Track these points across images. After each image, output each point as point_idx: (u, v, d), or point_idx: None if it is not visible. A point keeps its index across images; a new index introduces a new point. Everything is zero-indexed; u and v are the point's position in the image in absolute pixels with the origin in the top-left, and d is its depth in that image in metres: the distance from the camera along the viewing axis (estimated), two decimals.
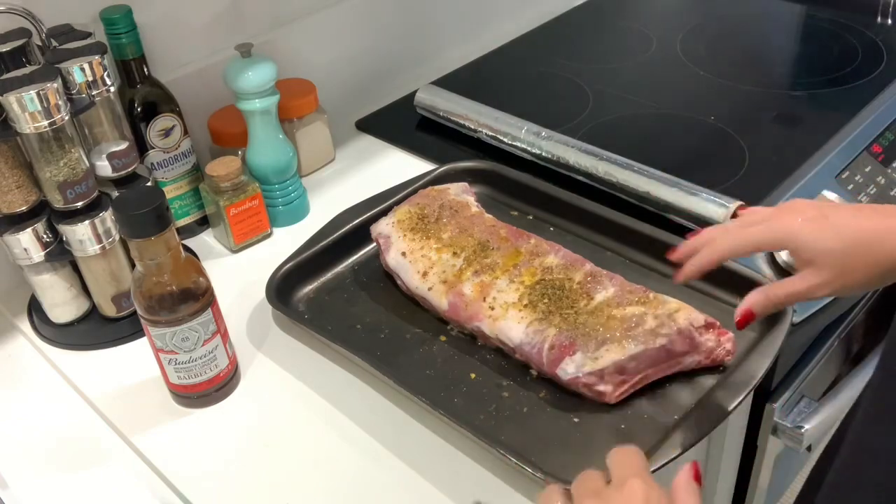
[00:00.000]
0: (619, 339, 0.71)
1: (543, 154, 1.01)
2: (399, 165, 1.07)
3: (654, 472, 0.63)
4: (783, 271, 0.86)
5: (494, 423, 0.71)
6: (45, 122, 0.72)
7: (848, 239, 0.57)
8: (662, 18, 1.42)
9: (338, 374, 0.78)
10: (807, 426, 0.90)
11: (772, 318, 0.76)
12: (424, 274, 0.81)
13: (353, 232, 0.91)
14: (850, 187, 0.96)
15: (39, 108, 0.71)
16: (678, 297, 0.76)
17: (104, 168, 0.82)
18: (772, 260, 0.87)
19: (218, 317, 0.74)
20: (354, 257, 0.91)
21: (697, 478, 0.51)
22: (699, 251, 0.65)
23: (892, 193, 0.97)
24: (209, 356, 0.73)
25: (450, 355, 0.78)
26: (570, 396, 0.73)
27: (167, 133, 0.91)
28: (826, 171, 0.97)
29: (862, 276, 0.58)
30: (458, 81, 1.23)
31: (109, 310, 0.84)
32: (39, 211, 0.79)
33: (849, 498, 0.52)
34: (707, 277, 0.81)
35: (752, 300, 0.63)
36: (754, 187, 0.94)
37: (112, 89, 0.79)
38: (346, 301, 0.86)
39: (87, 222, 0.77)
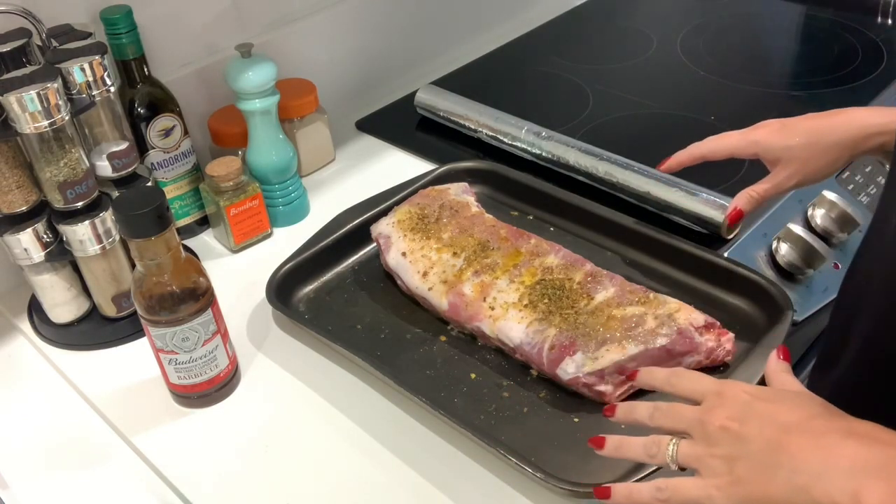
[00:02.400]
0: (619, 340, 0.71)
1: (543, 154, 1.01)
2: (399, 165, 1.07)
3: (654, 472, 0.63)
4: (783, 271, 0.86)
5: (494, 423, 0.71)
6: (46, 122, 0.72)
7: (802, 135, 0.71)
8: (662, 18, 1.42)
9: (338, 374, 0.78)
10: None
11: (772, 318, 0.76)
12: (424, 274, 0.81)
13: (353, 232, 0.91)
14: (851, 187, 0.96)
15: (40, 108, 0.71)
16: (678, 297, 0.76)
17: (104, 168, 0.82)
18: (772, 260, 0.87)
19: (218, 317, 0.74)
20: (354, 257, 0.91)
21: (787, 358, 0.57)
22: (692, 150, 0.78)
23: None
24: (209, 356, 0.73)
25: (450, 355, 0.79)
26: (570, 396, 0.73)
27: (167, 133, 0.91)
28: None
29: (819, 163, 0.71)
30: (458, 81, 1.23)
31: (109, 310, 0.84)
32: (40, 211, 0.79)
33: None
34: (707, 278, 0.82)
35: (738, 200, 0.76)
36: None
37: (112, 89, 0.79)
38: (347, 301, 0.86)
39: (87, 222, 0.77)
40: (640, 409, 0.58)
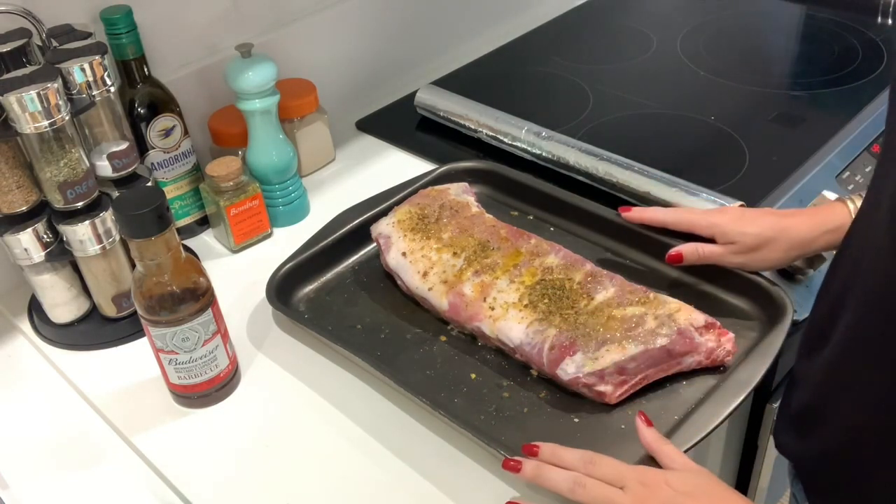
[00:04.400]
0: (619, 340, 0.71)
1: (543, 154, 1.01)
2: (399, 165, 1.07)
3: None
4: (783, 271, 0.86)
5: (494, 423, 0.71)
6: (46, 123, 0.72)
7: (760, 228, 0.76)
8: (662, 18, 1.42)
9: (338, 374, 0.78)
10: None
11: (772, 318, 0.76)
12: (425, 274, 0.81)
13: (353, 232, 0.91)
14: (851, 187, 0.96)
15: (40, 108, 0.71)
16: (678, 297, 0.76)
17: (104, 168, 0.82)
18: None
19: (218, 317, 0.74)
20: (355, 257, 0.91)
21: (649, 422, 0.66)
22: (655, 212, 0.84)
23: None
24: (209, 356, 0.73)
25: (450, 355, 0.79)
26: (570, 396, 0.73)
27: (167, 133, 0.91)
28: (826, 171, 0.97)
29: (769, 256, 0.77)
30: (458, 81, 1.23)
31: (110, 310, 0.84)
32: (40, 211, 0.79)
33: None
34: (707, 278, 0.82)
35: (684, 247, 0.80)
36: (754, 187, 0.94)
37: (112, 89, 0.79)
38: (347, 301, 0.86)
39: (87, 222, 0.77)
40: (560, 478, 0.62)
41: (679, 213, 0.82)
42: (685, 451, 0.64)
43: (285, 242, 0.94)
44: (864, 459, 0.59)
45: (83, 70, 0.76)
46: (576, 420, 0.71)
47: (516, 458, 0.64)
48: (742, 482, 1.01)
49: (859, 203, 0.73)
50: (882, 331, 0.55)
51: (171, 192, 0.94)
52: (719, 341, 0.73)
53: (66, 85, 0.75)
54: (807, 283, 0.86)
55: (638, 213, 0.84)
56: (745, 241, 0.77)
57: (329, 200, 1.02)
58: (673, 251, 0.80)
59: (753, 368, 0.71)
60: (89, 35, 0.81)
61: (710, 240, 0.79)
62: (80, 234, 0.78)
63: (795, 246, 0.76)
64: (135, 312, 0.77)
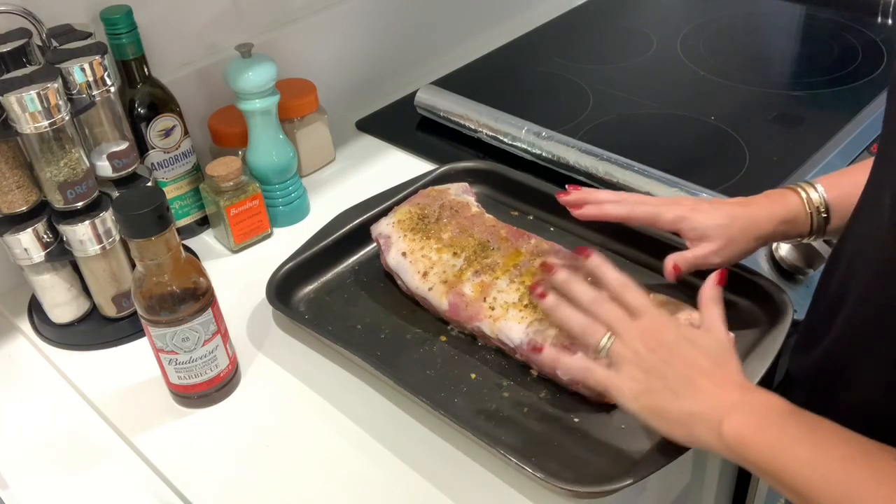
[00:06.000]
0: None
1: (543, 154, 1.01)
2: (399, 165, 1.07)
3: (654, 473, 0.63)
4: (783, 270, 0.86)
5: (494, 423, 0.71)
6: (46, 123, 0.72)
7: (729, 217, 0.75)
8: (662, 18, 1.42)
9: (338, 374, 0.78)
10: None
11: (772, 318, 0.76)
12: (425, 274, 0.81)
13: (353, 232, 0.91)
14: None
15: (40, 108, 0.71)
16: (678, 297, 0.76)
17: (104, 168, 0.82)
18: (772, 260, 0.87)
19: (218, 317, 0.74)
20: (355, 257, 0.91)
21: (723, 282, 0.68)
22: (602, 202, 0.80)
23: None
24: (209, 356, 0.73)
25: (450, 355, 0.79)
26: (570, 396, 0.73)
27: (167, 133, 0.91)
28: (826, 172, 0.97)
29: (739, 246, 0.75)
30: (458, 81, 1.23)
31: (110, 310, 0.84)
32: (40, 211, 0.79)
33: None
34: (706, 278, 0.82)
35: (679, 262, 0.78)
36: (754, 187, 0.93)
37: (112, 89, 0.79)
38: (347, 301, 0.86)
39: (87, 222, 0.77)
40: (582, 290, 0.67)
41: (635, 208, 0.78)
42: (685, 452, 0.64)
43: (285, 242, 0.94)
44: None
45: (83, 70, 0.76)
46: (576, 420, 0.71)
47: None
48: (742, 482, 1.01)
49: (812, 192, 0.74)
50: (878, 323, 0.55)
51: (171, 192, 0.94)
52: None
53: (66, 85, 0.75)
54: (807, 283, 0.86)
55: (583, 204, 0.80)
56: (717, 232, 0.75)
57: (329, 200, 1.02)
58: (671, 266, 0.77)
59: (753, 368, 0.71)
60: (89, 35, 0.81)
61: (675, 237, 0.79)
62: (80, 234, 0.78)
63: (760, 237, 0.76)
64: (135, 312, 0.77)
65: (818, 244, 0.85)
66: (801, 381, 0.67)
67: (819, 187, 0.74)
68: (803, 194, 0.74)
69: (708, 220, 0.75)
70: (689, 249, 0.77)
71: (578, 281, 0.67)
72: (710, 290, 0.67)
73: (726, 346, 0.62)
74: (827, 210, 0.73)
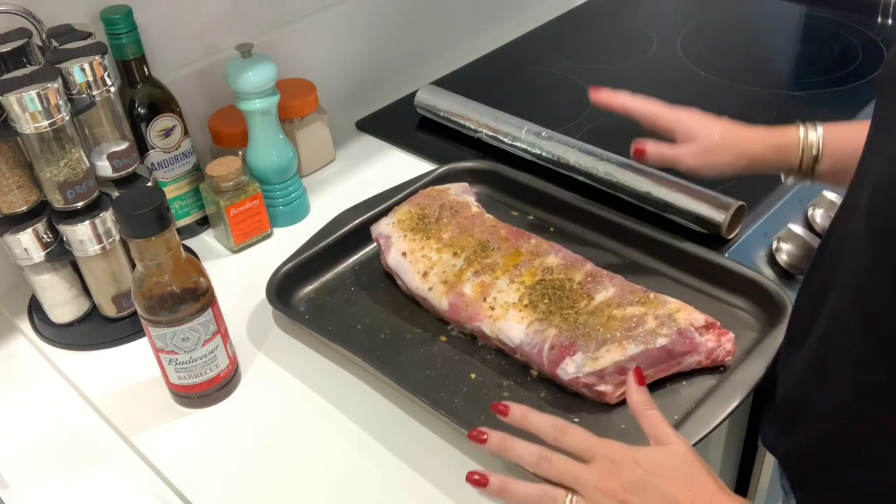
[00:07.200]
0: (619, 340, 0.71)
1: (543, 154, 1.01)
2: (399, 165, 1.07)
3: None
4: (783, 271, 0.86)
5: (495, 424, 0.71)
6: (46, 123, 0.72)
7: (719, 131, 0.78)
8: (662, 18, 1.42)
9: (338, 374, 0.78)
10: None
11: (772, 318, 0.76)
12: (425, 274, 0.81)
13: (353, 232, 0.91)
14: None
15: (40, 108, 0.71)
16: (678, 297, 0.76)
17: (104, 168, 0.82)
18: (772, 260, 0.87)
19: (218, 317, 0.74)
20: (355, 257, 0.91)
21: (642, 380, 0.63)
22: (624, 98, 0.83)
23: None
24: (209, 356, 0.73)
25: (450, 355, 0.79)
26: (570, 396, 0.73)
27: (167, 133, 0.91)
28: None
29: (721, 160, 0.78)
30: (458, 81, 1.23)
31: (110, 310, 0.84)
32: (40, 211, 0.79)
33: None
34: (707, 278, 0.82)
35: (649, 144, 0.81)
36: (754, 187, 0.94)
37: (112, 89, 0.79)
38: (347, 301, 0.86)
39: (87, 222, 0.77)
40: (525, 452, 0.61)
41: (645, 104, 0.83)
42: None
43: (285, 242, 0.94)
44: (841, 455, 0.59)
45: (83, 70, 0.76)
46: (576, 420, 0.71)
47: (482, 428, 0.63)
48: (742, 482, 1.01)
49: (812, 132, 0.76)
50: (858, 334, 0.55)
51: (171, 192, 0.94)
52: (719, 341, 0.73)
53: (66, 85, 0.75)
54: None
55: (607, 97, 0.84)
56: (704, 139, 0.78)
57: (329, 200, 1.02)
58: (638, 144, 0.81)
59: (753, 368, 0.71)
60: (89, 35, 0.81)
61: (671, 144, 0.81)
62: (80, 234, 0.78)
63: (745, 156, 0.78)
64: (135, 312, 0.77)
65: (818, 244, 0.85)
66: (787, 378, 0.67)
67: (820, 129, 0.76)
68: (802, 131, 0.76)
69: (700, 126, 0.79)
70: (671, 144, 0.80)
71: (515, 443, 0.61)
72: (636, 396, 0.62)
73: (691, 459, 0.58)
74: (819, 153, 0.75)
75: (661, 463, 0.58)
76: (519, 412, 0.63)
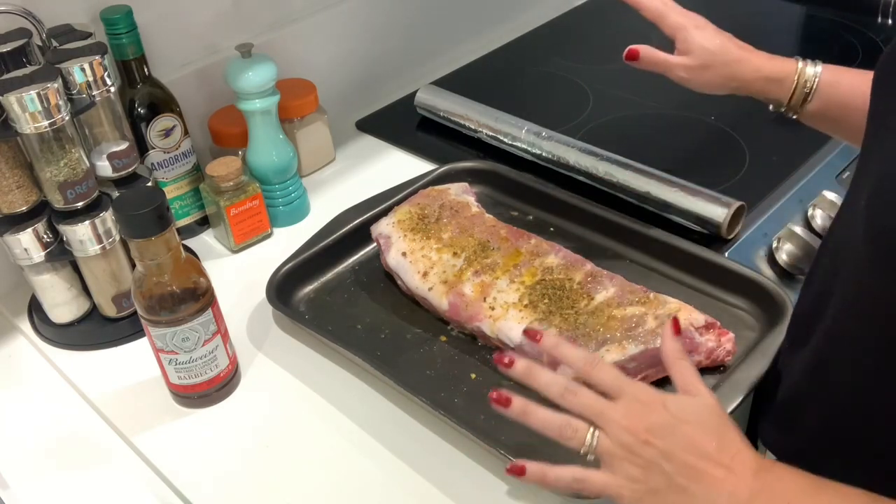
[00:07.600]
0: (619, 340, 0.71)
1: (543, 154, 1.01)
2: (399, 165, 1.07)
3: None
4: (783, 271, 0.86)
5: (494, 423, 0.71)
6: (46, 123, 0.72)
7: (721, 49, 0.77)
8: None
9: (338, 374, 0.78)
10: None
11: (772, 318, 0.76)
12: (425, 274, 0.81)
13: (353, 232, 0.91)
14: None
15: (40, 108, 0.71)
16: (678, 297, 0.76)
17: (104, 168, 0.82)
18: (772, 260, 0.87)
19: (218, 317, 0.74)
20: (355, 257, 0.91)
21: (678, 330, 0.61)
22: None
23: None
24: (209, 356, 0.73)
25: (450, 355, 0.79)
26: None
27: (167, 133, 0.91)
28: (826, 171, 0.97)
29: (712, 76, 0.78)
30: (458, 81, 1.23)
31: (110, 310, 0.84)
32: (40, 211, 0.79)
33: None
34: (707, 278, 0.82)
35: (643, 47, 0.81)
36: (754, 187, 0.94)
37: (112, 89, 0.79)
38: (347, 301, 0.86)
39: (87, 222, 0.77)
40: (549, 381, 0.59)
41: (654, 3, 0.82)
42: None
43: (285, 242, 0.94)
44: (841, 454, 0.59)
45: (83, 70, 0.76)
46: None
47: (507, 351, 0.62)
48: None
49: (809, 68, 0.76)
50: (858, 334, 0.55)
51: (171, 192, 0.94)
52: (719, 341, 0.73)
53: (66, 85, 0.75)
54: None
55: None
56: (701, 54, 0.77)
57: (329, 200, 1.01)
58: (631, 47, 0.80)
59: (753, 368, 0.71)
60: (89, 35, 0.81)
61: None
62: (80, 234, 0.78)
63: (737, 79, 0.78)
64: (135, 312, 0.77)
65: (818, 244, 0.85)
66: (788, 378, 0.67)
67: (818, 69, 0.76)
68: (800, 65, 0.76)
69: (701, 39, 0.77)
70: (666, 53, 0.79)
71: (541, 370, 0.59)
72: (670, 344, 0.60)
73: (718, 412, 0.56)
74: (812, 91, 0.76)
75: (689, 410, 0.56)
76: (552, 341, 0.62)
